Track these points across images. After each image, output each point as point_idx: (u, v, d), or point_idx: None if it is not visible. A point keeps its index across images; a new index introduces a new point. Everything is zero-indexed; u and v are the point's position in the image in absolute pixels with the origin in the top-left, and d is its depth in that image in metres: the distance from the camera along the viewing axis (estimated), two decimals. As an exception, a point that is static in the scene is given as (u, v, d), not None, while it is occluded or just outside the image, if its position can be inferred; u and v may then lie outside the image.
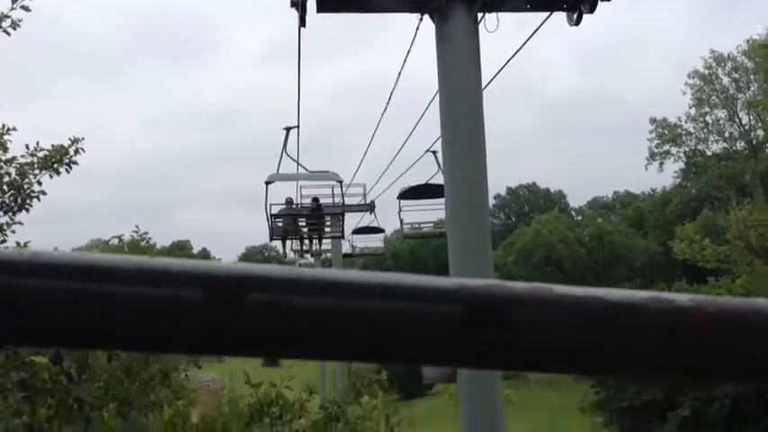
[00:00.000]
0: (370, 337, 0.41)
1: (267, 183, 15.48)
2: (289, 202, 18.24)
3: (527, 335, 0.42)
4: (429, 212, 19.84)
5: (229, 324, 0.40)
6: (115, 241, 10.11)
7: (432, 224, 21.60)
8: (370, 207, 25.11)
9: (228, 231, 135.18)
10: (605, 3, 7.62)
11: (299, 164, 16.22)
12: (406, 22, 8.26)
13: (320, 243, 20.47)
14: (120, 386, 6.67)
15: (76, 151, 7.48)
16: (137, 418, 6.04)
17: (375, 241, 35.04)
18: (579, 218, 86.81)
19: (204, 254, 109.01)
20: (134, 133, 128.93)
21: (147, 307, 0.40)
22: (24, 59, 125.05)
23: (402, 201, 19.48)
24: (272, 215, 16.46)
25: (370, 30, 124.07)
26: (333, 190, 18.35)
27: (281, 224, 17.15)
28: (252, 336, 0.41)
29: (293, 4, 7.71)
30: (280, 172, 15.95)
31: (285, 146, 15.39)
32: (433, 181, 17.40)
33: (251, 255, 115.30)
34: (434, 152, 15.54)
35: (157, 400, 6.29)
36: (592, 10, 7.73)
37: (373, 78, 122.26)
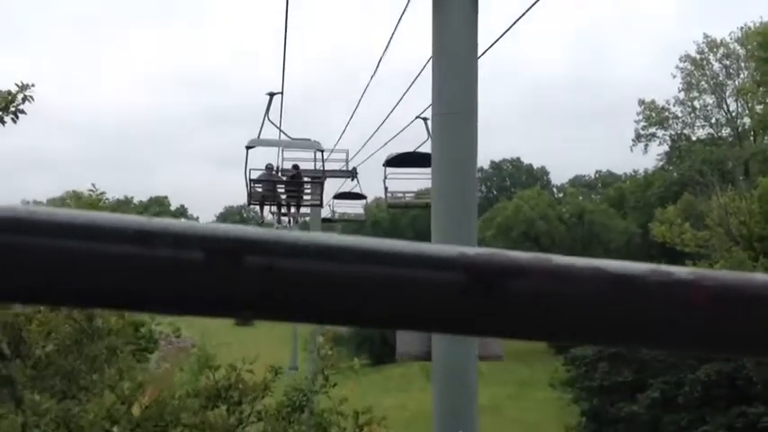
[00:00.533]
0: (371, 302, 0.41)
1: (248, 147, 15.41)
2: (268, 167, 18.14)
3: (528, 304, 0.42)
4: (416, 182, 19.15)
5: (229, 286, 0.41)
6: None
7: (413, 194, 21.07)
8: (351, 174, 25.64)
9: (207, 191, 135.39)
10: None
11: (280, 130, 16.25)
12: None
13: (298, 209, 20.29)
14: (64, 361, 6.20)
15: (25, 98, 6.77)
16: (72, 402, 5.59)
17: (356, 207, 34.78)
18: (561, 195, 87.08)
19: (181, 211, 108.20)
20: (122, 90, 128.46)
21: (145, 268, 0.40)
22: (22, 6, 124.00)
23: (388, 168, 18.51)
24: (251, 180, 16.39)
25: None
26: (315, 156, 18.12)
27: (260, 189, 17.09)
28: (252, 299, 0.42)
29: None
30: (261, 137, 15.91)
31: (268, 111, 15.32)
32: (421, 149, 16.71)
33: (229, 215, 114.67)
34: (425, 119, 14.68)
35: (101, 380, 5.82)
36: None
37: (359, 48, 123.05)
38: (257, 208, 20.00)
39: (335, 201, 29.90)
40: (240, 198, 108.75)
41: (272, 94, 15.08)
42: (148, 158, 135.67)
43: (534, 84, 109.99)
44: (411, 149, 17.51)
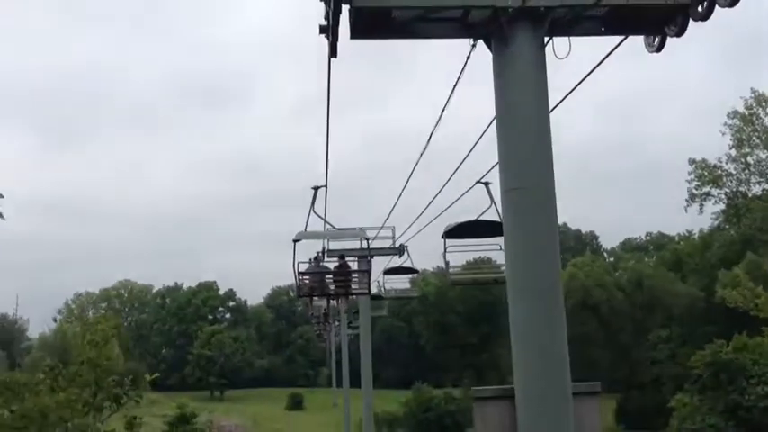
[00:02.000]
0: None
1: (295, 241, 15.42)
2: (316, 259, 18.47)
3: None
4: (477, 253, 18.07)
5: None
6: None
7: (476, 269, 20.07)
8: (399, 251, 25.06)
9: (255, 273, 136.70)
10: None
11: (325, 221, 16.58)
12: (432, 68, 7.02)
13: (347, 298, 19.92)
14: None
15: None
16: None
17: (404, 282, 34.10)
18: (611, 259, 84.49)
19: (230, 294, 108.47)
20: (171, 180, 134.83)
21: None
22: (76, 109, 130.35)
23: (448, 240, 16.39)
24: (299, 273, 16.29)
25: (396, 78, 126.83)
26: (360, 244, 18.73)
27: (308, 281, 16.99)
28: None
29: (322, 31, 6.56)
30: (307, 230, 16.06)
31: (313, 204, 15.63)
32: (484, 218, 15.40)
33: (276, 296, 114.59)
34: (486, 183, 13.85)
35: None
36: (680, 33, 6.45)
37: (399, 127, 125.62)
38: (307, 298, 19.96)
39: (386, 276, 29.42)
40: (286, 278, 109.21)
41: (316, 188, 15.46)
42: (197, 245, 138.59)
43: (569, 146, 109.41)
44: (471, 218, 16.03)
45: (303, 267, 17.08)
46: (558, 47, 6.33)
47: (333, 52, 6.83)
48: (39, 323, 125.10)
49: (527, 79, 6.18)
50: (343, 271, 17.96)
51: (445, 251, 16.00)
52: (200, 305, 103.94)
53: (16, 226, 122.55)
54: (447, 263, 16.39)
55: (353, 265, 19.67)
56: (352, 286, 17.89)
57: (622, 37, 6.72)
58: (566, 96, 7.63)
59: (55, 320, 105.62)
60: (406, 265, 26.79)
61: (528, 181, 6.06)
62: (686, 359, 54.37)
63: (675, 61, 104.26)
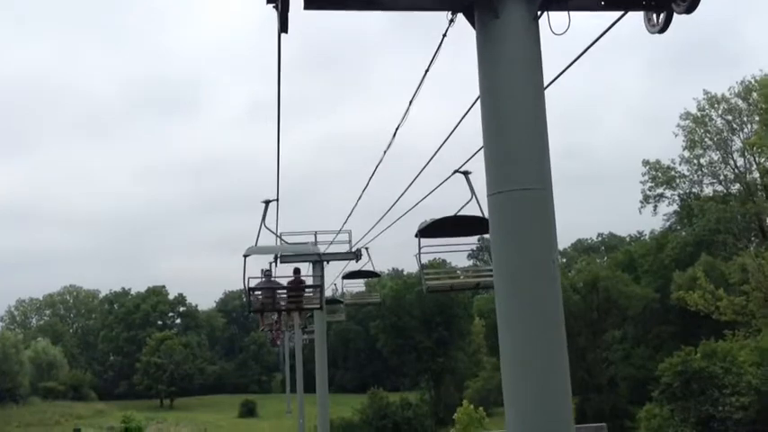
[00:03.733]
0: None
1: (245, 256, 15.10)
2: (267, 274, 18.07)
3: None
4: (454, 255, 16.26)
5: None
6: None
7: (451, 273, 18.24)
8: (355, 255, 24.32)
9: (205, 278, 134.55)
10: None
11: (278, 236, 16.80)
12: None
13: (300, 314, 19.82)
14: None
15: None
16: None
17: (359, 286, 33.17)
18: (563, 260, 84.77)
19: (180, 299, 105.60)
20: (119, 185, 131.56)
21: None
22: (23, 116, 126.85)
23: (423, 239, 14.15)
24: (249, 288, 15.89)
25: (344, 87, 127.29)
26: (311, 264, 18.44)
27: (259, 297, 16.59)
28: None
29: (270, 0, 5.41)
30: (259, 244, 15.94)
31: (264, 218, 15.57)
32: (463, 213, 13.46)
33: (228, 300, 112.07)
34: (466, 173, 12.23)
35: None
36: (690, 9, 5.43)
37: (350, 132, 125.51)
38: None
39: (345, 281, 28.52)
40: (238, 283, 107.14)
41: (267, 202, 15.44)
42: (146, 250, 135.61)
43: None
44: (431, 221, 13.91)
45: (254, 281, 16.58)
46: (551, 22, 5.31)
47: (283, 26, 5.64)
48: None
49: (518, 56, 5.10)
50: (295, 286, 17.57)
51: (420, 253, 13.82)
52: (150, 311, 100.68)
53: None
54: (423, 266, 14.38)
55: (309, 279, 19.31)
56: (305, 302, 17.43)
57: (621, 13, 5.79)
58: (557, 77, 6.63)
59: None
60: (366, 268, 25.95)
61: (521, 181, 5.00)
62: (640, 360, 54.77)
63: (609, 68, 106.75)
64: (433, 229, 13.60)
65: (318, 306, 17.83)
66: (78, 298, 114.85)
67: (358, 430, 55.14)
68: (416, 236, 13.54)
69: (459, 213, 13.24)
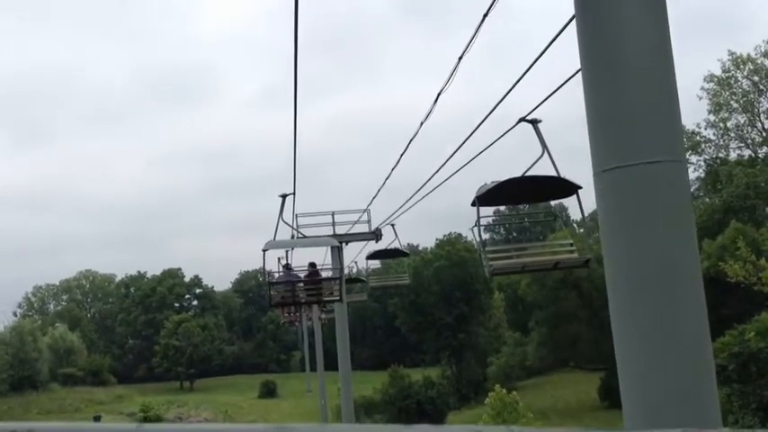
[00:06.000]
0: None
1: (264, 250, 15.12)
2: (287, 267, 18.41)
3: None
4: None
5: None
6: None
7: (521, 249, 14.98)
8: (375, 235, 23.45)
9: (221, 259, 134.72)
10: None
11: (295, 230, 17.12)
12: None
13: (320, 308, 20.10)
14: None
15: None
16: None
17: (376, 263, 32.30)
18: (581, 230, 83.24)
19: (196, 281, 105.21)
20: (134, 172, 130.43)
21: None
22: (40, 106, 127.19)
23: (481, 207, 10.95)
24: (269, 283, 16.38)
25: (352, 67, 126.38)
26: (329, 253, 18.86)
27: (279, 291, 16.77)
28: None
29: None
30: (277, 238, 16.13)
31: (281, 212, 15.68)
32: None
33: (245, 281, 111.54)
34: (534, 121, 9.64)
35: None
36: None
37: (361, 111, 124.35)
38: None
39: (369, 261, 27.74)
40: (254, 262, 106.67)
41: (284, 196, 15.55)
42: (161, 234, 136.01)
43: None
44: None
45: (272, 268, 17.26)
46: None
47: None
48: (3, 317, 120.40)
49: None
50: (313, 279, 17.68)
51: (478, 224, 10.74)
52: (166, 293, 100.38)
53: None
54: (483, 242, 11.09)
55: (328, 266, 19.78)
56: (324, 294, 17.44)
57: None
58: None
59: (15, 315, 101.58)
60: (393, 246, 24.93)
61: (646, 151, 3.68)
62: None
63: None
64: (496, 195, 10.52)
65: (338, 298, 17.68)
66: (94, 282, 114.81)
67: (380, 409, 54.39)
68: (473, 204, 10.43)
69: (526, 174, 9.94)
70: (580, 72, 4.01)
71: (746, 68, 50.36)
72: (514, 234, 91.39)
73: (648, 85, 3.73)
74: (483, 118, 9.39)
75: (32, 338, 73.00)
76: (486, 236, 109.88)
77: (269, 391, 76.92)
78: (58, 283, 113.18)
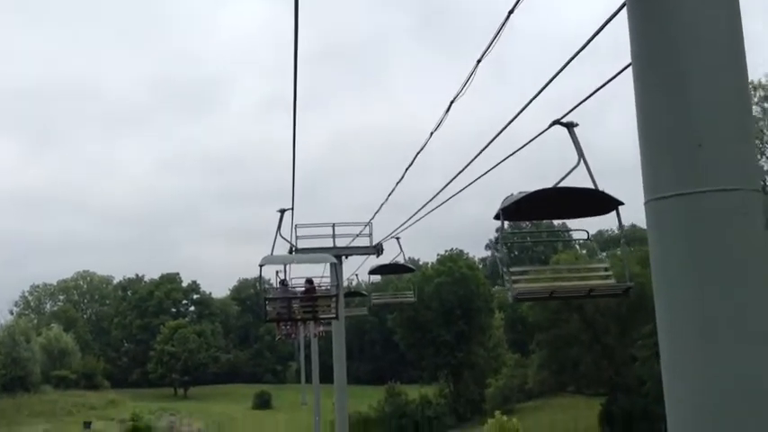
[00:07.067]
0: None
1: (260, 266, 15.02)
2: (283, 283, 18.31)
3: None
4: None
5: None
6: None
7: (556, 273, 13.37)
8: (376, 249, 22.92)
9: (220, 266, 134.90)
10: None
11: (293, 246, 17.37)
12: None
13: (315, 324, 19.77)
14: None
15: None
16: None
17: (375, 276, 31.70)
18: (583, 252, 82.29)
19: (194, 286, 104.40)
20: (136, 177, 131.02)
21: None
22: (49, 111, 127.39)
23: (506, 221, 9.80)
24: (265, 299, 16.32)
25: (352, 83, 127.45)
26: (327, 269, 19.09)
27: (274, 308, 16.55)
28: None
29: None
30: (274, 253, 16.02)
31: (279, 227, 15.73)
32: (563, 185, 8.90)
33: (243, 288, 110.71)
34: (570, 125, 8.28)
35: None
36: None
37: (362, 127, 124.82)
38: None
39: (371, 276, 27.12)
40: (252, 270, 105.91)
41: (282, 211, 15.54)
42: (163, 237, 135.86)
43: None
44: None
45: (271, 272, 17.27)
46: None
47: None
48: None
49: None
50: (310, 296, 17.57)
51: (501, 239, 9.69)
52: (163, 298, 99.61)
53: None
54: (506, 258, 9.81)
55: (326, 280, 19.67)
56: (320, 312, 17.18)
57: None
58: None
59: (11, 313, 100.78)
60: (397, 261, 24.28)
61: (711, 177, 3.03)
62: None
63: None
64: (523, 207, 9.20)
65: (335, 315, 17.22)
66: (92, 283, 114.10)
67: (376, 425, 53.48)
68: (497, 216, 9.15)
69: (559, 185, 8.61)
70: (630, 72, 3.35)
71: (758, 95, 49.68)
72: (516, 253, 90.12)
73: (717, 91, 3.07)
74: (504, 126, 8.74)
75: (26, 338, 72.20)
76: (487, 254, 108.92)
77: (263, 402, 75.97)
78: (55, 283, 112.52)
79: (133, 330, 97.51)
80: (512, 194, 9.07)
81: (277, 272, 19.77)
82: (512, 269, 9.58)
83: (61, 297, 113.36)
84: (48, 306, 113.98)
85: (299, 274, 23.26)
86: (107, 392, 74.66)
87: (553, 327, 51.49)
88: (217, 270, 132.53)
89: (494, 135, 9.55)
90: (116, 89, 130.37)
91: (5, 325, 77.36)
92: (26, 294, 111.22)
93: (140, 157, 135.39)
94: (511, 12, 4.95)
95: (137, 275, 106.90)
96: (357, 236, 21.83)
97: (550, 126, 8.05)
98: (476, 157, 10.78)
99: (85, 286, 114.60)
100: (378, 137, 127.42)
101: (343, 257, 23.35)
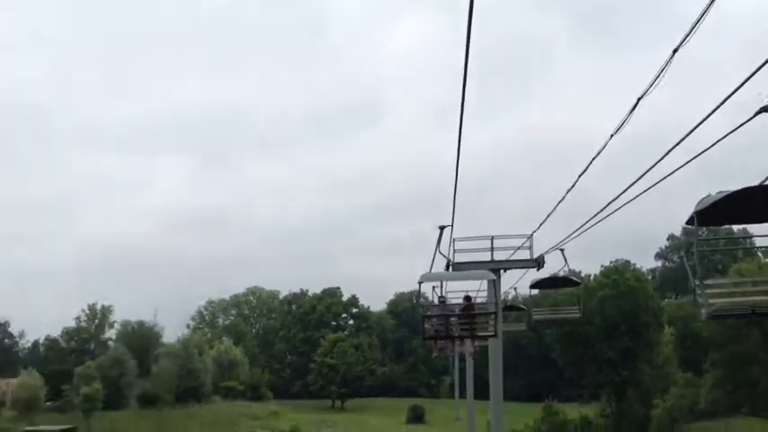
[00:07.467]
0: None
1: (420, 282, 15.42)
2: (441, 300, 18.27)
3: None
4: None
5: None
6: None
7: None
8: (537, 263, 21.91)
9: (378, 278, 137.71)
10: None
11: (450, 261, 17.44)
12: None
13: (473, 341, 19.28)
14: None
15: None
16: None
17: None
18: (766, 260, 74.61)
19: (353, 300, 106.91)
20: (302, 196, 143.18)
21: None
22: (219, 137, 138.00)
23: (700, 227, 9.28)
24: (423, 316, 16.48)
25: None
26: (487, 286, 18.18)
27: (433, 325, 16.59)
28: None
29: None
30: (433, 270, 16.59)
31: (439, 244, 16.05)
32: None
33: (399, 302, 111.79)
34: None
35: None
36: None
37: (526, 134, 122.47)
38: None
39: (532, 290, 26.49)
40: (409, 284, 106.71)
41: (442, 228, 15.81)
42: (326, 253, 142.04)
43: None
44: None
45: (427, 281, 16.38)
46: None
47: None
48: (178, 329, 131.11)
49: None
50: (468, 313, 17.18)
51: (695, 248, 8.49)
52: (324, 311, 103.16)
53: (165, 238, 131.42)
54: (701, 273, 8.37)
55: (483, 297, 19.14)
56: (479, 330, 16.84)
57: None
58: None
59: (188, 327, 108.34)
60: (560, 274, 23.25)
61: None
62: None
63: None
64: (723, 210, 7.95)
65: (493, 333, 16.92)
66: (261, 298, 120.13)
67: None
68: (689, 221, 8.01)
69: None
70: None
71: None
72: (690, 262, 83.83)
73: None
74: (694, 127, 7.55)
75: (199, 351, 77.23)
76: (657, 264, 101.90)
77: (417, 417, 75.93)
78: (228, 298, 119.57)
79: (296, 343, 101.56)
80: (708, 195, 7.79)
81: (434, 287, 19.12)
82: (706, 282, 8.20)
83: (233, 311, 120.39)
84: (220, 320, 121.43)
85: (456, 287, 22.59)
86: (270, 403, 78.02)
87: (730, 342, 46.99)
88: (374, 283, 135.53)
89: (680, 137, 8.29)
90: (272, 113, 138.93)
91: (181, 338, 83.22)
92: (202, 309, 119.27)
93: (301, 176, 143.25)
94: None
95: (301, 290, 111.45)
96: (517, 249, 20.89)
97: (756, 114, 6.68)
98: (659, 160, 9.40)
99: (255, 301, 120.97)
100: (534, 144, 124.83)
101: (501, 271, 22.44)
